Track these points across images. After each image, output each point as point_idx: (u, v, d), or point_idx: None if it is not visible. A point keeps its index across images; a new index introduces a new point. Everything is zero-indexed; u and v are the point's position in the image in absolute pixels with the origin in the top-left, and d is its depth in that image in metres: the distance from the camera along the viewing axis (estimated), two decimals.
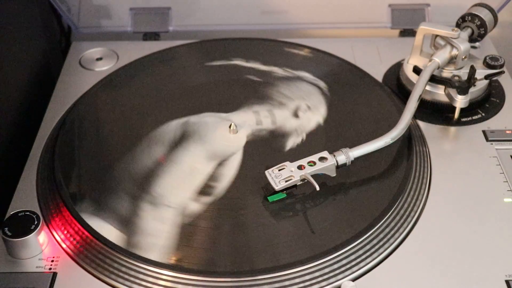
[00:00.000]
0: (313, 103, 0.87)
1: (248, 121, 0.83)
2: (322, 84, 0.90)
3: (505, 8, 0.99)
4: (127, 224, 0.70)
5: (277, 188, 0.71)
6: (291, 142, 0.80)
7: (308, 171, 0.72)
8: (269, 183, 0.71)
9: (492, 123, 0.84)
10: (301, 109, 0.85)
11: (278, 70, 0.92)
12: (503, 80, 0.91)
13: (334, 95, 0.88)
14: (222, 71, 0.92)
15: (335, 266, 0.66)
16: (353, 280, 0.65)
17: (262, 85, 0.90)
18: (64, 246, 0.70)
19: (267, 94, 0.88)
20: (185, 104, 0.86)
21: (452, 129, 0.84)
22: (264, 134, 0.82)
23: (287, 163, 0.73)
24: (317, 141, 0.81)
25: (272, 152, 0.79)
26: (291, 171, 0.72)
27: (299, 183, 0.72)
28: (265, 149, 0.80)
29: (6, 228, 0.67)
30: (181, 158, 0.78)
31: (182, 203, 0.72)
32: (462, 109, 0.84)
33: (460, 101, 0.82)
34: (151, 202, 0.72)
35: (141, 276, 0.65)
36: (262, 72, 0.92)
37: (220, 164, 0.77)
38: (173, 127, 0.82)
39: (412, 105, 0.78)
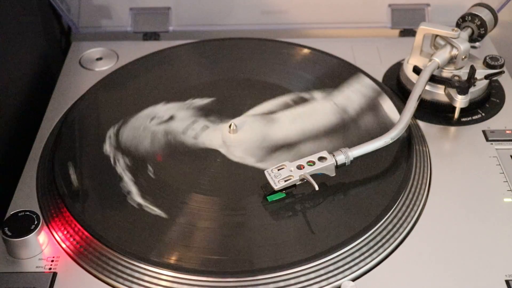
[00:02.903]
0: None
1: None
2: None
3: (505, 8, 0.99)
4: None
5: (276, 187, 0.71)
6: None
7: (308, 170, 0.72)
8: (268, 183, 0.71)
9: (492, 123, 0.84)
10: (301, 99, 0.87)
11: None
12: (503, 80, 0.91)
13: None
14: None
15: (335, 266, 0.66)
16: (353, 280, 0.65)
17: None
18: (64, 246, 0.70)
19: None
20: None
21: (452, 129, 0.84)
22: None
23: (286, 162, 0.73)
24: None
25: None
26: (291, 170, 0.72)
27: (298, 183, 0.72)
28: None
29: (6, 228, 0.67)
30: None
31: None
32: (462, 109, 0.84)
33: (460, 101, 0.82)
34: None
35: (141, 276, 0.65)
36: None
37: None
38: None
39: (411, 104, 0.78)
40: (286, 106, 0.86)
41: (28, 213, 0.69)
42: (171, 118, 0.84)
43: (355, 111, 0.85)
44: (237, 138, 0.81)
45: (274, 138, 0.81)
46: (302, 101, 0.87)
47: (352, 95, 0.87)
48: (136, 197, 0.73)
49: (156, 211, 0.71)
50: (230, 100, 0.87)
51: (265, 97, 0.87)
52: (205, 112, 0.85)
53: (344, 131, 0.82)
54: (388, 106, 0.85)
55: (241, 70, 0.93)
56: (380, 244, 0.68)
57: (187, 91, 0.89)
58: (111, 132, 0.81)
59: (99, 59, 0.98)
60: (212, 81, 0.91)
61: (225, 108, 0.86)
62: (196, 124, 0.83)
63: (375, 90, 0.88)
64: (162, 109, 0.85)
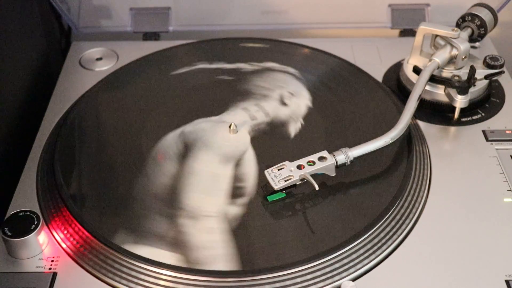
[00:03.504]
0: (293, 89, 0.87)
1: (241, 118, 0.83)
2: (291, 70, 0.91)
3: (505, 8, 0.99)
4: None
5: (276, 187, 0.71)
6: (293, 128, 0.81)
7: (308, 170, 0.72)
8: (268, 183, 0.71)
9: (492, 123, 0.84)
10: (286, 97, 0.86)
11: (245, 66, 0.93)
12: (503, 80, 0.91)
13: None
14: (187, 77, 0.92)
15: (335, 266, 0.66)
16: (353, 280, 0.65)
17: (235, 82, 0.90)
18: (64, 246, 0.70)
19: (245, 90, 0.88)
20: (175, 112, 0.86)
21: (452, 129, 0.84)
22: (264, 127, 0.82)
23: (286, 162, 0.73)
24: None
25: (279, 141, 0.80)
26: (291, 170, 0.72)
27: (298, 183, 0.72)
28: (271, 140, 0.80)
29: (6, 228, 0.67)
30: (197, 168, 0.77)
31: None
32: (462, 109, 0.84)
33: (460, 101, 0.82)
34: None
35: (141, 276, 0.65)
36: (230, 70, 0.92)
37: (237, 164, 0.77)
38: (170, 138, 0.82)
39: (411, 104, 0.78)
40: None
41: (28, 213, 0.69)
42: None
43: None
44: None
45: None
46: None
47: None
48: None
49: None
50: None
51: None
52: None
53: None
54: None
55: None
56: (380, 244, 0.68)
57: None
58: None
59: (99, 59, 0.98)
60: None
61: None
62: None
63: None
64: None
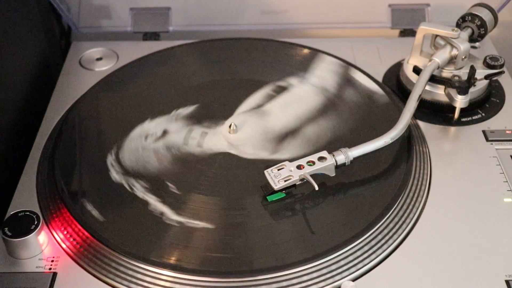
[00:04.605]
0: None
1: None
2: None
3: (505, 8, 0.99)
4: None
5: (276, 187, 0.71)
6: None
7: (307, 170, 0.72)
8: (268, 183, 0.71)
9: (492, 123, 0.84)
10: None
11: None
12: (503, 80, 0.91)
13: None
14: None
15: (335, 266, 0.66)
16: (353, 280, 0.65)
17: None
18: (64, 246, 0.70)
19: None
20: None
21: (452, 129, 0.84)
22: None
23: (286, 162, 0.73)
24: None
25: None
26: (290, 170, 0.72)
27: (298, 183, 0.72)
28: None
29: (6, 228, 0.67)
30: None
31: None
32: (462, 109, 0.84)
33: (460, 101, 0.82)
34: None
35: (141, 276, 0.65)
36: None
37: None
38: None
39: (411, 104, 0.78)
40: (270, 97, 0.86)
41: (28, 213, 0.69)
42: (164, 132, 0.82)
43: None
44: (240, 137, 0.81)
45: (275, 129, 0.82)
46: (281, 89, 0.88)
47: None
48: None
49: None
50: (220, 102, 0.87)
51: (248, 93, 0.88)
52: (196, 120, 0.84)
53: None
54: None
55: (242, 70, 0.93)
56: (380, 244, 0.68)
57: (173, 99, 0.87)
58: (110, 159, 0.78)
59: (99, 59, 0.98)
60: (205, 82, 0.91)
61: (214, 112, 0.85)
62: (193, 132, 0.82)
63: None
64: (151, 126, 0.83)
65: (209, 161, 0.78)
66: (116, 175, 0.76)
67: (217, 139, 0.81)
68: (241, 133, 0.81)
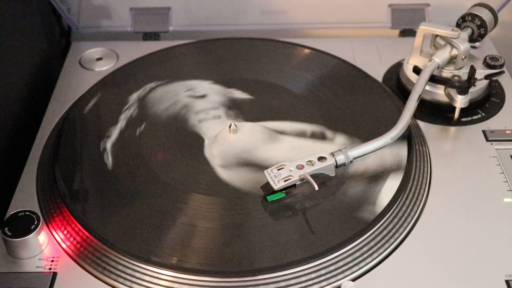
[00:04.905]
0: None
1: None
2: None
3: (505, 8, 0.99)
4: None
5: (276, 187, 0.71)
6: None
7: (307, 170, 0.72)
8: (268, 183, 0.71)
9: (492, 123, 0.84)
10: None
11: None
12: (503, 80, 0.91)
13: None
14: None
15: (335, 266, 0.66)
16: (353, 280, 0.65)
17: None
18: (64, 246, 0.70)
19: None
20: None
21: (452, 129, 0.84)
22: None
23: (286, 162, 0.73)
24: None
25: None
26: (290, 170, 0.72)
27: (298, 183, 0.72)
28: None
29: (6, 228, 0.67)
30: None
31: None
32: (462, 109, 0.84)
33: (460, 101, 0.82)
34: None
35: (141, 276, 0.65)
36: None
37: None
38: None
39: (411, 104, 0.78)
40: (301, 135, 0.82)
41: (28, 213, 0.69)
42: (203, 96, 0.86)
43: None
44: (229, 138, 0.80)
45: (257, 155, 0.78)
46: (319, 137, 0.81)
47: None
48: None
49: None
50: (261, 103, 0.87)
51: (288, 116, 0.84)
52: (233, 105, 0.85)
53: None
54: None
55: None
56: (380, 244, 0.68)
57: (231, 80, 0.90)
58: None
59: (99, 59, 0.98)
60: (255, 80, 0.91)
61: (251, 110, 0.85)
62: (214, 110, 0.84)
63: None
64: (203, 86, 0.88)
65: (187, 143, 0.78)
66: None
67: (215, 127, 0.81)
68: (235, 136, 0.81)
